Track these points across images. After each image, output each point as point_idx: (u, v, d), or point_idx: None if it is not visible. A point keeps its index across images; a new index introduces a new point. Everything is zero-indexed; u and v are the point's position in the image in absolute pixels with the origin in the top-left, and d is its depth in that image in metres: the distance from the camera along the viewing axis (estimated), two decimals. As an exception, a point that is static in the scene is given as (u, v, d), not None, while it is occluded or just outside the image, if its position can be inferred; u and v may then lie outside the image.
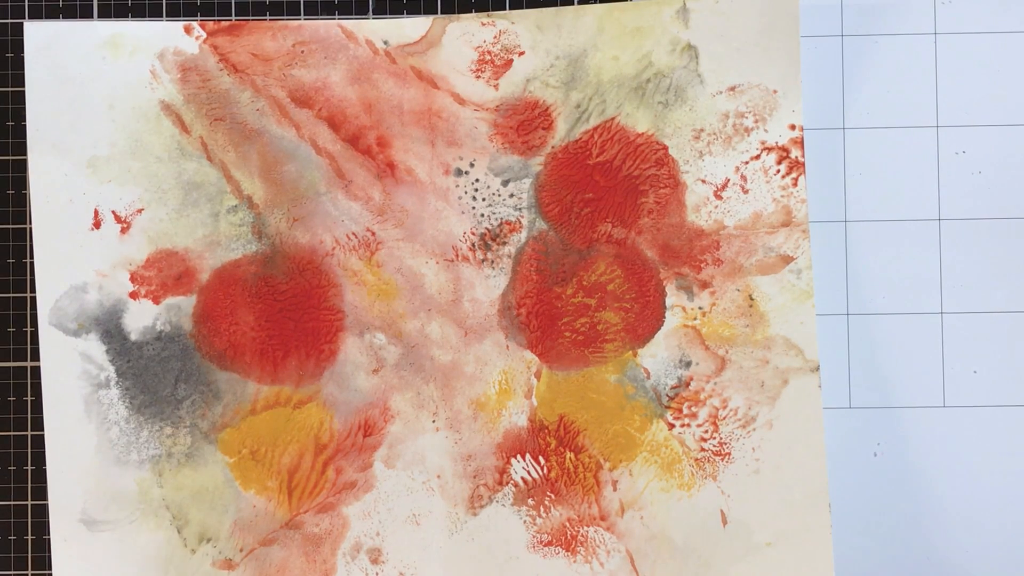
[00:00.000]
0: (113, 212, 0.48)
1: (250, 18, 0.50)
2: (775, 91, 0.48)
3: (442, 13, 0.51)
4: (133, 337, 0.48)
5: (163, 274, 0.48)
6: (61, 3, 0.50)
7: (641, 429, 0.49)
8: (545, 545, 0.48)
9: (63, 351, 0.48)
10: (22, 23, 0.49)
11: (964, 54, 0.50)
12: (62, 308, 0.48)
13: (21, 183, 0.50)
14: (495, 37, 0.49)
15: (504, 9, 0.50)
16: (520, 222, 0.49)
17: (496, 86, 0.49)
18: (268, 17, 0.50)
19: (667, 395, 0.49)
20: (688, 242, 0.49)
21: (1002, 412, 0.50)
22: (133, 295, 0.48)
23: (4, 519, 0.50)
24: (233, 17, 0.51)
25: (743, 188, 0.48)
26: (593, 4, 0.49)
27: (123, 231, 0.48)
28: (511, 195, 0.49)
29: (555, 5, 0.50)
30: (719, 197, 0.49)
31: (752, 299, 0.48)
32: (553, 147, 0.49)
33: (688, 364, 0.49)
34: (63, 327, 0.48)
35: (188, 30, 0.48)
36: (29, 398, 0.50)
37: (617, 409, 0.49)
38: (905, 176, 0.50)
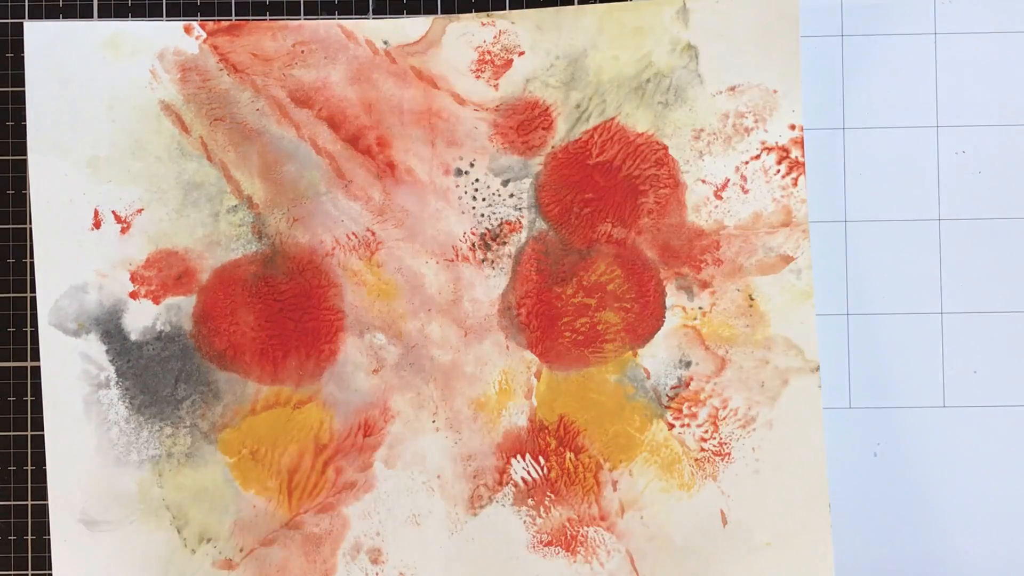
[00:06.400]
0: (113, 212, 0.48)
1: (250, 18, 0.50)
2: (775, 91, 0.48)
3: (442, 13, 0.51)
4: (133, 337, 0.48)
5: (163, 274, 0.48)
6: (61, 3, 0.50)
7: (641, 429, 0.49)
8: (545, 545, 0.48)
9: (63, 351, 0.48)
10: (22, 23, 0.49)
11: (964, 54, 0.50)
12: (62, 308, 0.48)
13: (21, 183, 0.50)
14: (495, 37, 0.49)
15: (504, 9, 0.50)
16: (520, 222, 0.49)
17: (496, 86, 0.49)
18: (268, 17, 0.50)
19: (667, 395, 0.49)
20: (688, 242, 0.49)
21: (1002, 412, 0.50)
22: (133, 295, 0.48)
23: (4, 519, 0.50)
24: (233, 17, 0.51)
25: (743, 188, 0.48)
26: (593, 4, 0.49)
27: (123, 231, 0.48)
28: (511, 195, 0.49)
29: (555, 5, 0.50)
30: (719, 197, 0.49)
31: (752, 299, 0.48)
32: (553, 147, 0.49)
33: (688, 364, 0.49)
34: (63, 327, 0.48)
35: (188, 30, 0.49)
36: (29, 398, 0.50)
37: (617, 409, 0.49)
38: (905, 176, 0.50)
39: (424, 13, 0.51)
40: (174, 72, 0.48)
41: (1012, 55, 0.50)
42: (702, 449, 0.48)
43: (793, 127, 0.48)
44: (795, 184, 0.48)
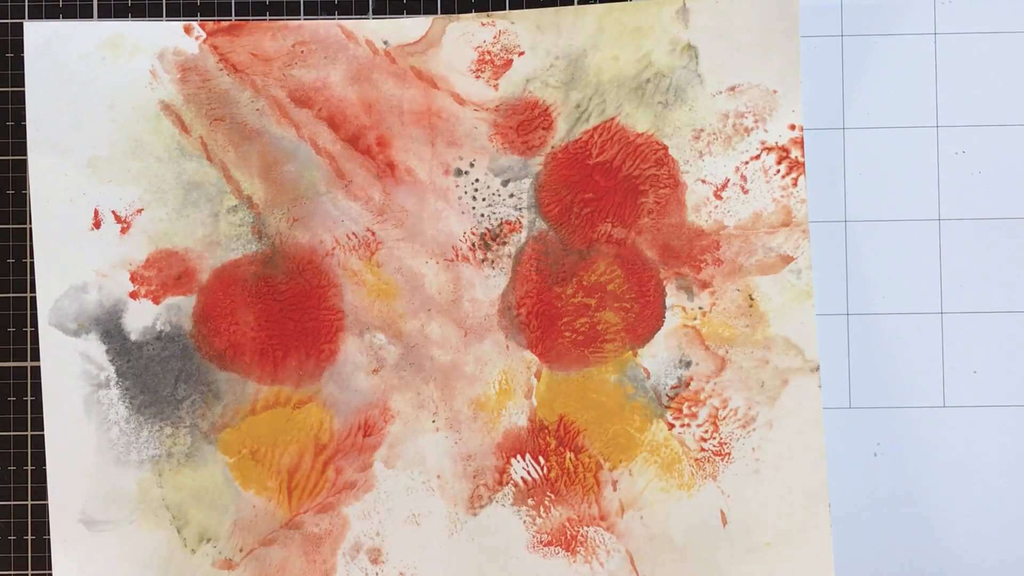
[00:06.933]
0: (113, 212, 0.48)
1: (250, 18, 0.50)
2: (775, 91, 0.48)
3: (442, 13, 0.51)
4: (133, 337, 0.48)
5: (163, 274, 0.48)
6: (61, 3, 0.50)
7: (641, 429, 0.49)
8: (545, 545, 0.48)
9: (63, 351, 0.48)
10: (22, 23, 0.49)
11: (964, 54, 0.50)
12: (62, 308, 0.48)
13: (21, 183, 0.50)
14: (495, 37, 0.49)
15: (504, 9, 0.50)
16: (520, 222, 0.49)
17: (496, 86, 0.49)
18: (268, 17, 0.50)
19: (667, 395, 0.49)
20: (688, 242, 0.49)
21: (1002, 412, 0.50)
22: (133, 295, 0.48)
23: (4, 519, 0.50)
24: (233, 17, 0.51)
25: (743, 188, 0.48)
26: (593, 4, 0.49)
27: (123, 231, 0.48)
28: (511, 195, 0.49)
29: (555, 5, 0.50)
30: (719, 197, 0.49)
31: (752, 299, 0.48)
32: (553, 147, 0.49)
33: (688, 364, 0.49)
34: (63, 327, 0.48)
35: (188, 30, 0.49)
36: (29, 398, 0.50)
37: (617, 409, 0.49)
38: (905, 176, 0.50)
39: (424, 13, 0.51)
40: (174, 72, 0.48)
41: (1012, 55, 0.50)
42: (702, 449, 0.48)
43: (793, 127, 0.48)
44: (795, 184, 0.48)
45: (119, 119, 0.48)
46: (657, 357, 0.49)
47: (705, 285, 0.49)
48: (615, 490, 0.48)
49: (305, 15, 0.50)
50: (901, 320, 0.50)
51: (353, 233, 0.49)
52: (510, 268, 0.49)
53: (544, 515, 0.48)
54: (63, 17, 0.50)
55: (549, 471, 0.49)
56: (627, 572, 0.48)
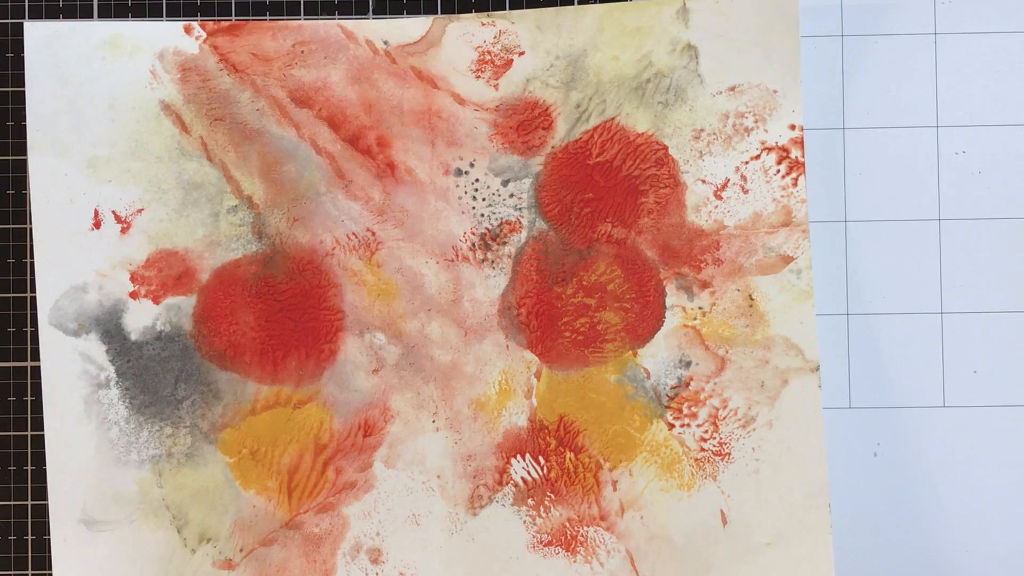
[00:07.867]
0: (113, 212, 0.48)
1: (250, 18, 0.50)
2: (775, 91, 0.48)
3: (442, 13, 0.51)
4: (133, 337, 0.48)
5: (163, 274, 0.48)
6: (61, 3, 0.51)
7: (641, 429, 0.49)
8: (545, 545, 0.48)
9: (63, 351, 0.48)
10: (22, 23, 0.49)
11: (964, 54, 0.50)
12: (62, 308, 0.48)
13: (21, 183, 0.50)
14: (495, 37, 0.49)
15: (504, 9, 0.50)
16: (520, 222, 0.49)
17: (496, 86, 0.49)
18: (268, 17, 0.50)
19: (667, 395, 0.49)
20: (688, 242, 0.49)
21: (1002, 412, 0.50)
22: (133, 295, 0.48)
23: (4, 519, 0.50)
24: (233, 17, 0.51)
25: (743, 188, 0.48)
26: (593, 4, 0.49)
27: (123, 231, 0.48)
28: (511, 195, 0.49)
29: (555, 5, 0.50)
30: (719, 197, 0.49)
31: (752, 299, 0.48)
32: (553, 147, 0.49)
33: (688, 364, 0.49)
34: (63, 327, 0.48)
35: (188, 30, 0.49)
36: (29, 398, 0.50)
37: (617, 409, 0.49)
38: (905, 176, 0.50)
39: (424, 13, 0.51)
40: (174, 72, 0.48)
41: (1012, 55, 0.50)
42: (702, 449, 0.48)
43: (793, 127, 0.48)
44: (795, 184, 0.48)
45: (119, 119, 0.48)
46: (657, 357, 0.49)
47: (705, 285, 0.49)
48: (615, 490, 0.48)
49: (305, 15, 0.50)
50: (901, 320, 0.50)
51: (353, 233, 0.49)
52: (510, 268, 0.49)
53: (544, 515, 0.48)
54: (63, 17, 0.50)
55: (549, 471, 0.49)
56: (627, 572, 0.48)
